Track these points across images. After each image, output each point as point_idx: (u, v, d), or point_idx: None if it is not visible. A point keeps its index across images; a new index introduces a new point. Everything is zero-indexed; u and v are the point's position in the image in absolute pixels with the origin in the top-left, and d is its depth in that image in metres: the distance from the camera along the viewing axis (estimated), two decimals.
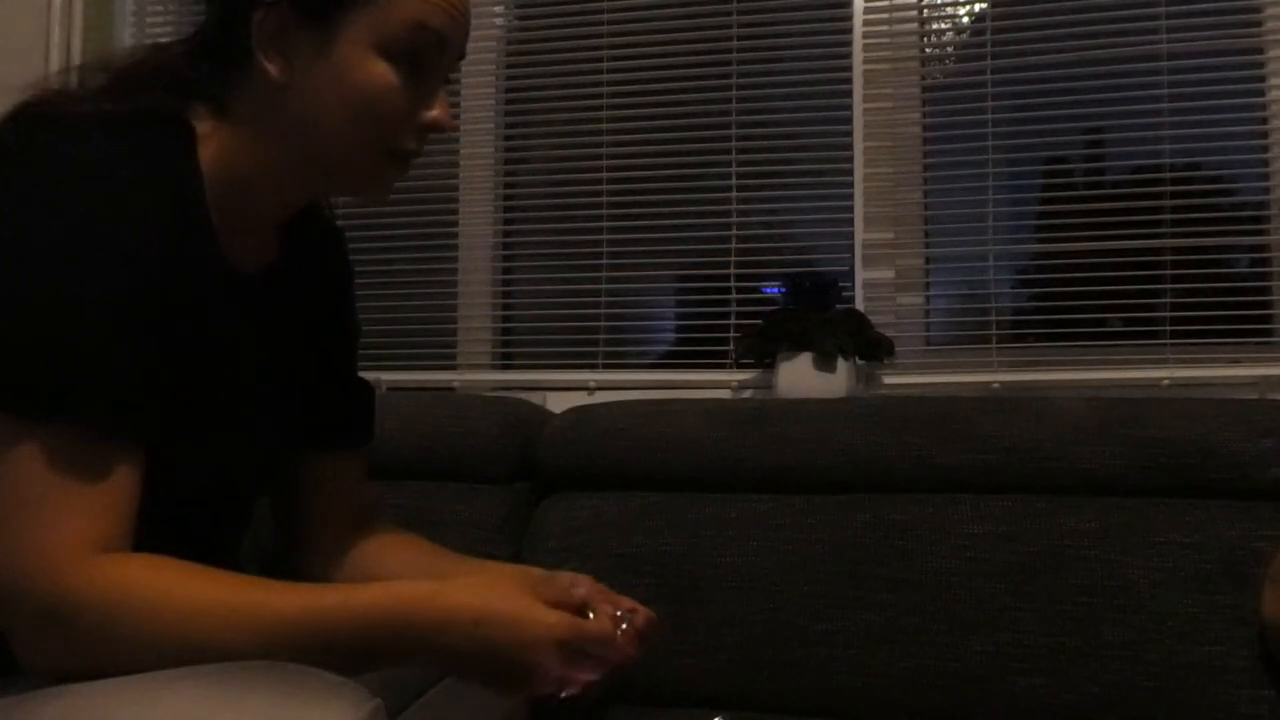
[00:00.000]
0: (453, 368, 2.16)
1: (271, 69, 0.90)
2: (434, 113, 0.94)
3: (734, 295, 2.05)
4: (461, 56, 0.98)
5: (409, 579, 0.92)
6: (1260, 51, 1.86)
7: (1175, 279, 1.85)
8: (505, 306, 2.22)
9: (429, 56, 0.93)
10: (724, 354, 2.02)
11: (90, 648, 0.77)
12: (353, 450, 1.14)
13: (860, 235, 1.99)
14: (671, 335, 2.25)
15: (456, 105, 2.10)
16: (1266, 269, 1.87)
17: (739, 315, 2.03)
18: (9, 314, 0.78)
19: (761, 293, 2.08)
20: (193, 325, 0.88)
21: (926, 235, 2.00)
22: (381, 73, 0.90)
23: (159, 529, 0.83)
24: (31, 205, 0.80)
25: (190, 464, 0.87)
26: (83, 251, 0.80)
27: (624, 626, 0.87)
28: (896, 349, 1.88)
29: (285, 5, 0.89)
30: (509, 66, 2.22)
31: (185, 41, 0.96)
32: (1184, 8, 1.87)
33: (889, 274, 1.99)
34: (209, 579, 0.81)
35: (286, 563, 1.12)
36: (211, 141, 0.92)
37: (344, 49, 0.90)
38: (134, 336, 0.81)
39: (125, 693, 0.75)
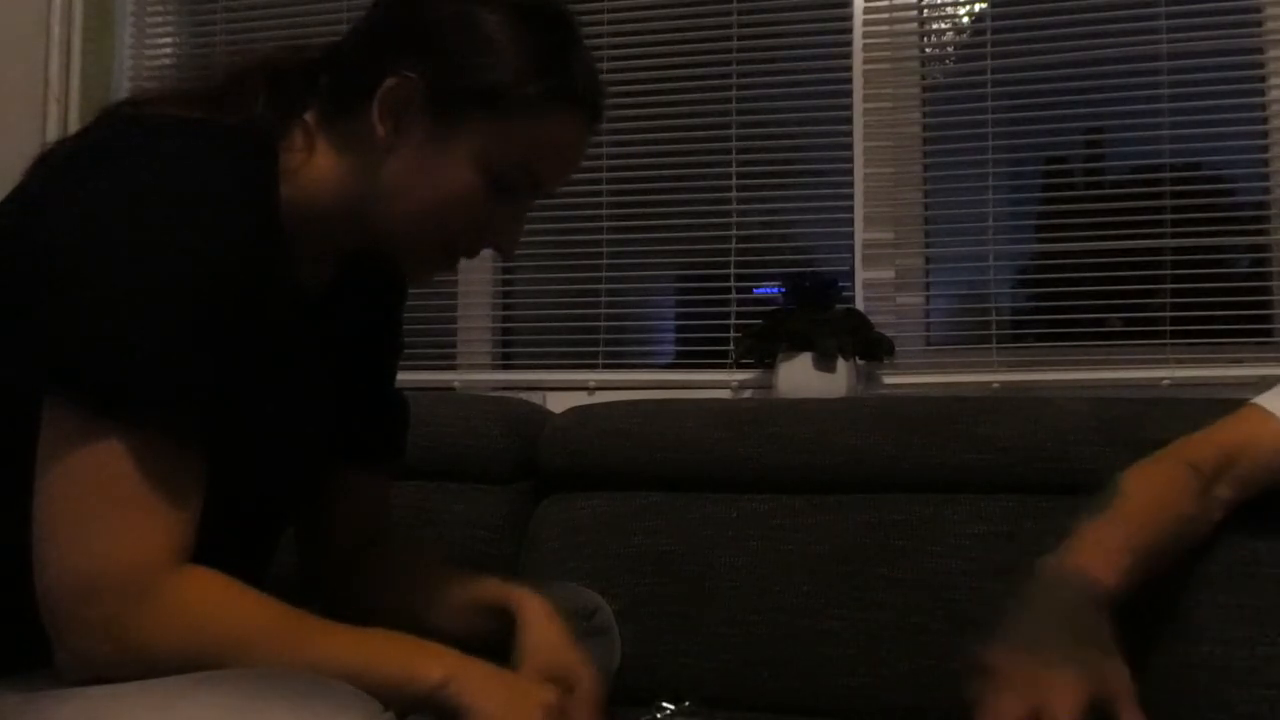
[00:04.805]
0: (453, 368, 2.16)
1: (380, 129, 0.90)
2: (500, 240, 0.97)
3: (734, 295, 2.05)
4: (552, 195, 0.99)
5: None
6: (1260, 51, 1.86)
7: (1175, 279, 1.84)
8: (505, 306, 2.22)
9: (521, 190, 0.94)
10: (724, 354, 2.02)
11: (142, 657, 0.77)
12: (381, 468, 1.15)
13: (860, 235, 1.99)
14: (671, 335, 2.25)
15: None
16: (1266, 269, 1.87)
17: (739, 315, 2.03)
18: (90, 312, 0.78)
19: (753, 294, 2.08)
20: (258, 340, 0.87)
21: (926, 235, 2.00)
22: (471, 185, 0.91)
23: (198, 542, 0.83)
24: (117, 205, 0.80)
25: (236, 478, 0.87)
26: (163, 255, 0.79)
27: None
28: (896, 349, 1.88)
29: (419, 85, 0.89)
30: None
31: (310, 56, 0.96)
32: (1184, 8, 1.87)
33: (889, 274, 1.99)
34: (274, 609, 0.82)
35: (301, 578, 1.12)
36: (297, 170, 0.91)
37: (450, 147, 0.90)
38: (210, 344, 0.81)
39: (140, 698, 0.75)
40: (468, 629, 1.02)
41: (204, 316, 0.80)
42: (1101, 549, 1.05)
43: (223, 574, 0.81)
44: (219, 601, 0.81)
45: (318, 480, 1.08)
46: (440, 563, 1.14)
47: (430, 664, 0.83)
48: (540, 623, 1.01)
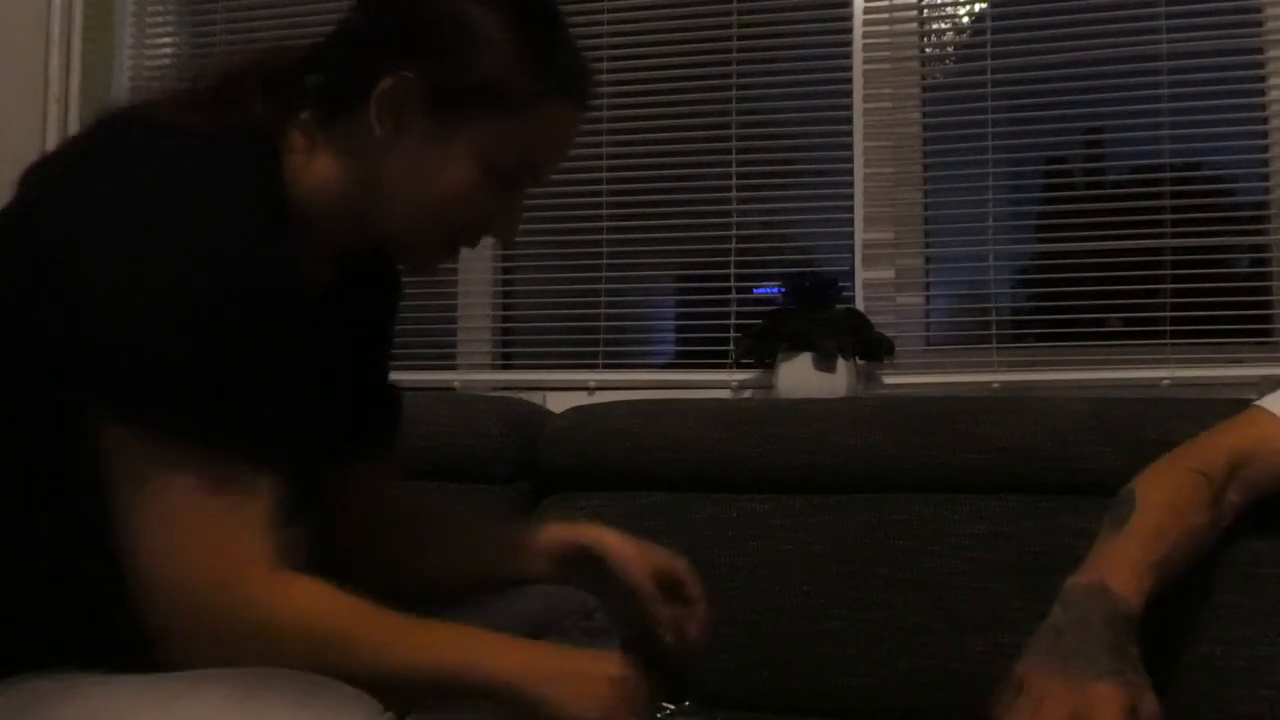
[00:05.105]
0: (453, 368, 2.16)
1: (378, 129, 0.90)
2: (501, 230, 0.98)
3: (734, 295, 2.05)
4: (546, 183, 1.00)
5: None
6: (1260, 51, 1.86)
7: (1175, 279, 1.84)
8: (505, 306, 2.22)
9: (521, 181, 0.95)
10: (724, 354, 2.02)
11: (246, 663, 0.77)
12: (385, 457, 1.15)
13: (860, 235, 1.99)
14: (671, 335, 2.25)
15: None
16: (1266, 269, 1.87)
17: (739, 315, 2.03)
18: (91, 314, 0.78)
19: (754, 294, 2.08)
20: (269, 340, 0.86)
21: (926, 235, 2.00)
22: (472, 181, 0.92)
23: None
24: (119, 208, 0.80)
25: None
26: (168, 257, 0.79)
27: None
28: (896, 349, 1.88)
29: (416, 84, 0.89)
30: None
31: (302, 56, 0.96)
32: (1184, 8, 1.87)
33: (889, 274, 1.99)
34: (361, 610, 0.82)
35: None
36: (297, 170, 0.91)
37: (450, 146, 0.91)
38: (215, 346, 0.80)
39: (143, 696, 0.75)
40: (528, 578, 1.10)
41: (209, 318, 0.80)
42: (1126, 566, 1.05)
43: (312, 577, 0.82)
44: (314, 608, 0.81)
45: (318, 480, 1.08)
46: (464, 532, 1.17)
47: (501, 656, 0.84)
48: (621, 544, 1.09)
